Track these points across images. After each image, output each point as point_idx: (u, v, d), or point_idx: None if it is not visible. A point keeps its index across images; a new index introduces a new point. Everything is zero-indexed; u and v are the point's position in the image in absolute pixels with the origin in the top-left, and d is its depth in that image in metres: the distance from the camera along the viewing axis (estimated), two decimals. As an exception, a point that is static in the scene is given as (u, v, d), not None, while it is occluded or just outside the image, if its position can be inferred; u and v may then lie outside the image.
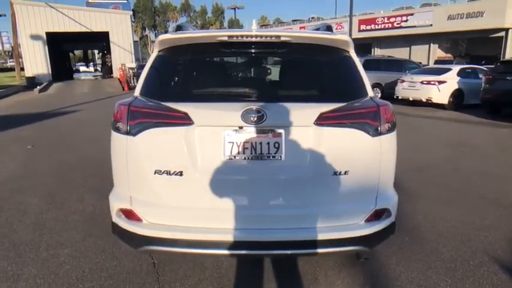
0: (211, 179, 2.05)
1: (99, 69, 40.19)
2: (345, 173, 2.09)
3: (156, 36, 68.56)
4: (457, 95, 12.08)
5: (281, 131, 2.04)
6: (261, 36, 2.16)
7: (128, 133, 2.10)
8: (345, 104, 2.13)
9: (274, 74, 2.32)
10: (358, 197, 2.16)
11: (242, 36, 2.15)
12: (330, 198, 2.12)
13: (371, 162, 2.14)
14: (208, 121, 2.05)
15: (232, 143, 2.04)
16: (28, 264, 2.77)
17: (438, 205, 3.91)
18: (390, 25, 30.19)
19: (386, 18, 30.41)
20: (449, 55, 28.24)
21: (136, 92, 2.29)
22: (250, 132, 2.04)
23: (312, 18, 40.26)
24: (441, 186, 4.54)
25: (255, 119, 1.99)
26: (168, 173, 2.06)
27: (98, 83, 25.48)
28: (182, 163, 2.05)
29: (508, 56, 23.98)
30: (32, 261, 2.82)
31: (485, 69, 12.64)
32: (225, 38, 2.15)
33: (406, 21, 28.99)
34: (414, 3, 32.30)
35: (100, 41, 31.07)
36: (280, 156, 2.05)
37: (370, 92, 2.29)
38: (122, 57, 26.74)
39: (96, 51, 56.08)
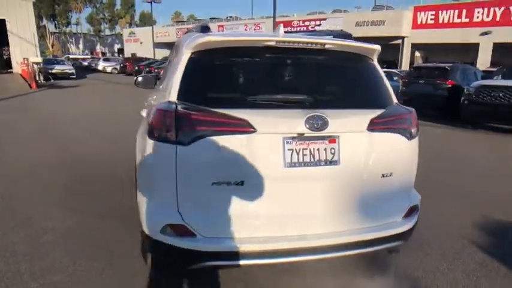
0: (273, 187, 1.99)
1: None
2: (390, 174, 2.21)
3: (56, 27, 62.27)
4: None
5: (337, 136, 2.07)
6: (308, 43, 2.17)
7: (177, 142, 1.93)
8: (383, 110, 2.25)
9: (317, 80, 2.34)
10: (398, 196, 2.31)
11: (290, 42, 2.13)
12: (378, 198, 2.22)
13: (408, 163, 2.31)
14: (270, 128, 1.98)
15: (292, 150, 2.00)
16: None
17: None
18: (305, 28, 31.80)
19: (301, 22, 31.98)
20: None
21: (172, 96, 2.09)
22: (309, 138, 2.02)
23: (230, 17, 40.56)
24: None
25: (319, 125, 1.99)
26: (229, 183, 1.94)
27: (-4, 79, 22.36)
28: (243, 172, 1.95)
29: (404, 61, 27.25)
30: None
31: (398, 72, 14.14)
32: (273, 43, 2.11)
33: (320, 25, 30.83)
34: (327, 8, 34.55)
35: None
36: (337, 162, 2.08)
37: (395, 99, 2.46)
38: (24, 50, 23.75)
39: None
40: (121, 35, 61.92)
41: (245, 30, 36.02)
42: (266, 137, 1.97)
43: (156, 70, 25.60)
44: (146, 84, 4.67)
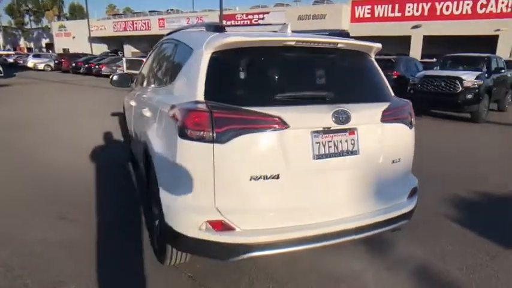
0: (304, 179, 2.14)
1: None
2: (399, 160, 2.46)
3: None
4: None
5: (355, 128, 2.25)
6: (323, 43, 2.34)
7: (214, 141, 1.99)
8: (389, 102, 2.48)
9: (333, 77, 2.50)
10: (403, 179, 2.57)
11: (308, 42, 2.27)
12: (389, 182, 2.45)
13: (409, 149, 2.58)
14: (302, 123, 2.10)
15: (319, 142, 2.15)
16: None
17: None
18: (249, 22, 32.02)
19: (245, 15, 32.16)
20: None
21: (199, 96, 2.13)
22: (333, 131, 2.19)
23: (171, 10, 39.58)
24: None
25: (343, 119, 2.16)
26: (265, 177, 2.04)
27: None
28: (278, 166, 2.06)
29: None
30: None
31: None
32: (293, 43, 2.24)
33: (263, 19, 31.22)
34: (268, 2, 35.03)
35: None
36: (356, 152, 2.27)
37: (392, 92, 2.71)
38: None
39: None
40: (49, 28, 57.58)
41: (187, 23, 35.43)
42: (297, 131, 2.10)
43: (97, 66, 24.35)
44: (122, 83, 4.55)
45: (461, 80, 8.76)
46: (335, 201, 2.25)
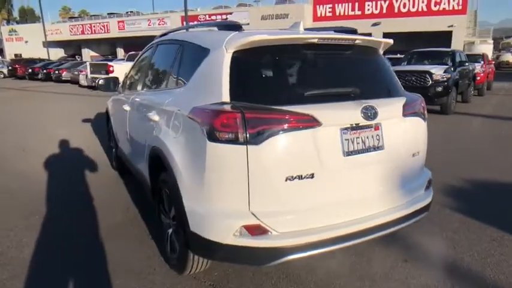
0: (336, 177, 2.13)
1: None
2: (418, 153, 2.51)
3: None
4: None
5: (379, 124, 2.26)
6: (343, 40, 2.34)
7: (247, 142, 1.92)
8: (404, 97, 2.52)
9: (354, 73, 2.49)
10: (421, 171, 2.63)
11: (329, 39, 2.27)
12: (410, 175, 2.49)
13: (424, 142, 2.63)
14: (333, 121, 2.08)
15: (348, 139, 2.14)
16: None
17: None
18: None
19: (208, 16, 31.88)
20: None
21: (224, 97, 2.06)
22: (360, 127, 2.18)
23: (131, 12, 38.44)
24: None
25: (371, 115, 2.16)
26: (300, 177, 2.00)
27: None
28: (313, 165, 2.02)
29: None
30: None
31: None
32: (315, 41, 2.21)
33: (226, 19, 31.10)
34: (229, 3, 34.94)
35: None
36: (382, 147, 2.27)
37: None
38: None
39: None
40: (-2, 33, 54.17)
41: (148, 26, 34.61)
42: (328, 129, 2.07)
43: (57, 72, 23.19)
44: (108, 87, 4.36)
45: (430, 73, 9.13)
46: (365, 197, 2.25)
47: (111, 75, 16.42)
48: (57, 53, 40.92)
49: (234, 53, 2.14)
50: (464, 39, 25.95)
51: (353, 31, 2.86)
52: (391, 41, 2.63)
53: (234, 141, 1.93)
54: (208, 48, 2.36)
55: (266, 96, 2.09)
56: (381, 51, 2.71)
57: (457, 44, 23.16)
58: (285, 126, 1.97)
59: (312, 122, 2.01)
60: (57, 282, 2.60)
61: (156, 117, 2.72)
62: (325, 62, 2.37)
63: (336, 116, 2.11)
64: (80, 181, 4.66)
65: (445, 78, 9.12)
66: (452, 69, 9.66)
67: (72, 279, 2.62)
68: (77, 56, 38.62)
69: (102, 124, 8.19)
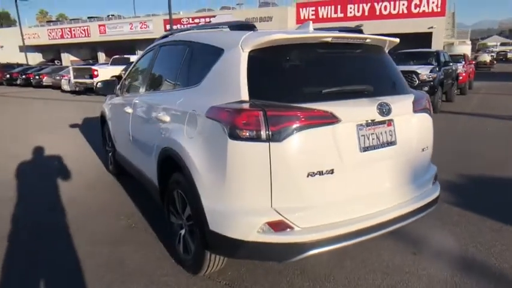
0: (354, 172, 2.18)
1: None
2: (427, 147, 2.60)
3: None
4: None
5: (392, 120, 2.32)
6: (355, 38, 2.41)
7: (270, 140, 1.95)
8: (412, 94, 2.60)
9: (367, 70, 2.55)
10: (428, 166, 2.71)
11: (343, 38, 2.33)
12: (420, 170, 2.57)
13: (431, 137, 2.71)
14: (351, 117, 2.14)
15: (364, 135, 2.19)
16: None
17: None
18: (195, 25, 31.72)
19: (191, 19, 31.75)
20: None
21: (243, 95, 2.09)
22: (375, 123, 2.24)
23: (112, 15, 37.92)
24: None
25: (386, 111, 2.23)
26: (321, 173, 2.04)
27: None
28: (332, 161, 2.07)
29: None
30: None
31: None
32: (329, 39, 2.27)
33: (210, 22, 31.05)
34: (211, 5, 34.77)
35: None
36: (394, 142, 2.34)
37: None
38: None
39: None
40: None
41: (130, 29, 34.23)
42: (346, 125, 2.12)
43: (37, 77, 22.63)
44: (107, 90, 4.32)
45: (417, 73, 9.35)
46: (381, 192, 2.31)
47: (95, 79, 16.19)
48: (35, 58, 39.96)
49: (251, 52, 2.17)
50: (444, 40, 26.65)
51: (358, 30, 2.92)
52: (397, 40, 2.70)
53: (256, 139, 1.95)
54: (221, 48, 2.37)
55: (284, 94, 2.12)
56: (386, 50, 2.78)
57: (437, 45, 23.73)
58: (306, 123, 2.00)
59: (331, 119, 2.06)
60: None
61: (166, 118, 2.72)
62: (339, 60, 2.42)
63: (354, 113, 2.17)
64: (77, 186, 4.58)
65: (431, 78, 9.35)
66: (437, 69, 9.92)
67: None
68: (56, 61, 37.81)
69: (91, 129, 8.10)
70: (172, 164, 2.58)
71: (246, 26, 2.43)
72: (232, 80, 2.16)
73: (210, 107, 2.19)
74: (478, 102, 12.22)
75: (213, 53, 2.43)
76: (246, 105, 2.03)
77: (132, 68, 4.16)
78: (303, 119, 2.00)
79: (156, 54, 3.53)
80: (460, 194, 4.08)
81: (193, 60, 2.74)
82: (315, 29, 2.64)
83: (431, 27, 24.64)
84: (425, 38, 23.98)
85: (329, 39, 2.26)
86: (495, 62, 36.20)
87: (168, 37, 3.42)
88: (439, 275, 2.60)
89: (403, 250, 2.94)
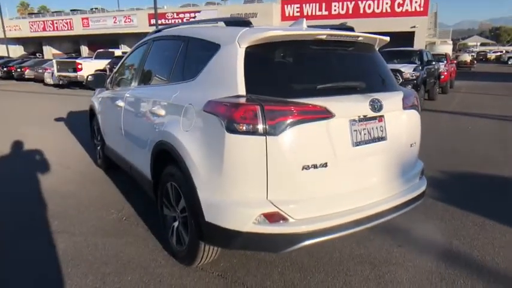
0: (347, 165, 2.25)
1: None
2: (415, 143, 2.70)
3: None
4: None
5: (383, 116, 2.41)
6: (348, 36, 2.47)
7: (267, 133, 2.01)
8: (401, 91, 2.69)
9: (359, 67, 2.63)
10: (415, 161, 2.81)
11: (336, 35, 2.39)
12: (408, 164, 2.66)
13: (419, 133, 2.81)
14: (344, 112, 2.21)
15: (356, 130, 2.27)
16: None
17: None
18: (180, 20, 31.37)
19: (176, 14, 31.44)
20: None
21: (240, 90, 2.13)
22: (367, 119, 2.32)
23: (96, 9, 37.15)
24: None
25: (378, 107, 2.31)
26: (315, 166, 2.10)
27: None
28: (326, 155, 2.14)
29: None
30: None
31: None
32: (324, 37, 2.33)
33: (195, 17, 30.80)
34: (198, 1, 34.46)
35: None
36: (385, 137, 2.42)
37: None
38: None
39: None
40: None
41: (114, 23, 33.67)
42: (339, 120, 2.20)
43: (19, 69, 22.06)
44: (97, 83, 4.30)
45: (401, 72, 9.54)
46: (371, 185, 2.40)
47: (79, 73, 15.91)
48: (15, 50, 38.96)
49: (247, 48, 2.21)
50: (426, 39, 27.15)
51: (349, 28, 3.00)
52: (387, 38, 2.79)
53: (253, 132, 2.01)
54: (218, 43, 2.41)
55: (279, 90, 2.18)
56: (377, 48, 2.87)
57: (419, 44, 24.18)
58: (301, 117, 2.06)
59: (325, 114, 2.13)
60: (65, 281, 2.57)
61: (161, 112, 2.74)
62: (333, 57, 2.49)
63: (347, 108, 2.24)
64: (67, 180, 4.54)
65: (414, 77, 9.56)
66: (420, 68, 10.14)
67: (81, 278, 2.60)
68: (38, 54, 36.91)
69: (77, 122, 8.00)
70: (166, 157, 2.60)
71: (243, 22, 2.46)
72: (229, 75, 2.20)
73: (208, 101, 2.22)
74: (459, 101, 12.54)
75: (209, 49, 2.46)
76: (243, 100, 2.07)
77: (123, 61, 4.14)
78: (298, 114, 2.06)
79: (149, 49, 3.53)
80: (444, 190, 4.22)
81: (189, 55, 2.77)
82: (308, 27, 2.70)
83: (414, 27, 25.08)
84: (407, 37, 24.40)
85: (324, 37, 2.32)
86: (475, 62, 37.06)
87: (162, 32, 3.43)
88: (425, 266, 2.71)
89: (389, 243, 3.04)
